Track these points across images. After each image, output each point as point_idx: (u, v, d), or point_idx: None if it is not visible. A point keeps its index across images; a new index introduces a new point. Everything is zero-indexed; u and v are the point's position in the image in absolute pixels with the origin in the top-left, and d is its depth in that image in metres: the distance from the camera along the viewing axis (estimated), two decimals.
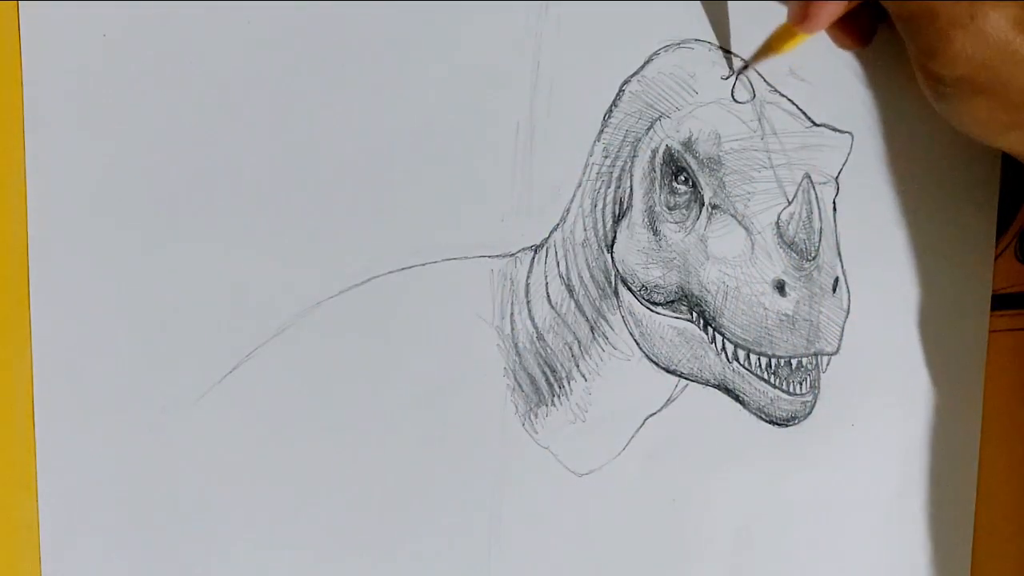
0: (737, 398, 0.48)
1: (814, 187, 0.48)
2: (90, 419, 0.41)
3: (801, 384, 0.49)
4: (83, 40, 0.40)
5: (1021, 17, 0.40)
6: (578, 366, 0.47)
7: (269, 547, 0.44)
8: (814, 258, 0.48)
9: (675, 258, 0.46)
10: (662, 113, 0.46)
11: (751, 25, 0.46)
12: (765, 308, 0.47)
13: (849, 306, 0.49)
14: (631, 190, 0.46)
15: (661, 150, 0.46)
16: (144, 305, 0.41)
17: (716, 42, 0.46)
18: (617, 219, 0.46)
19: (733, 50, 0.46)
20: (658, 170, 0.46)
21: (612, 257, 0.46)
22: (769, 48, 0.45)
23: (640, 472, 0.48)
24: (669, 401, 0.48)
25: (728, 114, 0.46)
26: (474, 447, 0.46)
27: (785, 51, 0.45)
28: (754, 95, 0.47)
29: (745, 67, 0.46)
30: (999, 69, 0.40)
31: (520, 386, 0.46)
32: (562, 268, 0.46)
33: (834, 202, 0.49)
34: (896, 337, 0.51)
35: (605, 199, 0.46)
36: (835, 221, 0.49)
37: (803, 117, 0.48)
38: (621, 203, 0.46)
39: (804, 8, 0.42)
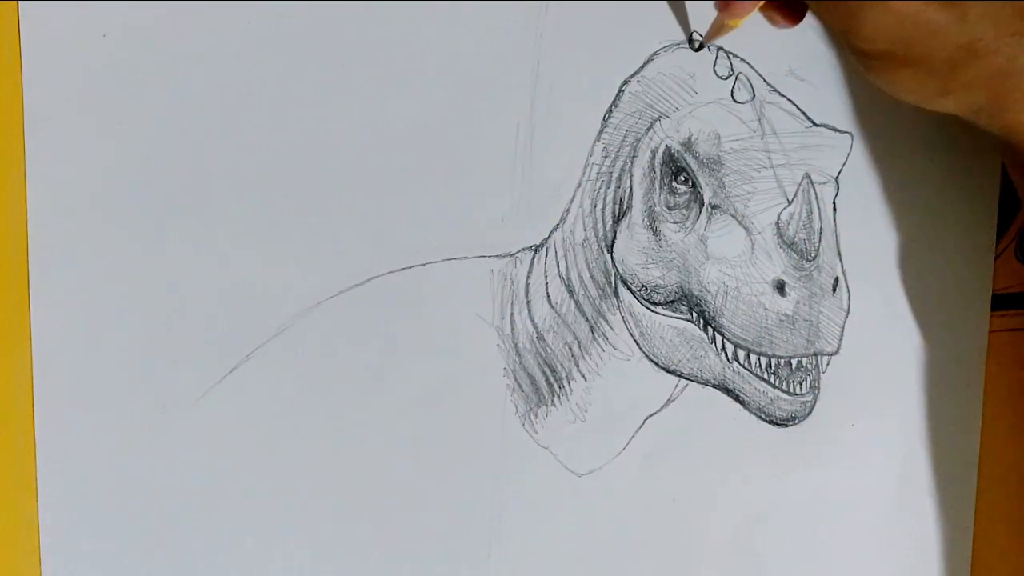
0: (737, 398, 0.48)
1: (814, 187, 0.48)
2: (90, 419, 0.41)
3: (801, 384, 0.49)
4: (83, 40, 0.40)
5: None
6: (578, 366, 0.47)
7: (268, 547, 0.44)
8: (814, 258, 0.48)
9: (675, 258, 0.46)
10: (662, 113, 0.46)
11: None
12: (765, 308, 0.47)
13: (849, 306, 0.49)
14: (631, 190, 0.46)
15: (661, 150, 0.46)
16: (144, 305, 0.41)
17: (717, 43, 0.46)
18: (617, 219, 0.46)
19: (695, 35, 0.46)
20: (658, 170, 0.46)
21: (612, 257, 0.46)
22: (722, 26, 0.44)
23: (640, 472, 0.48)
24: (669, 401, 0.48)
25: (728, 114, 0.46)
26: (474, 447, 0.46)
27: (738, 25, 0.44)
28: (754, 95, 0.47)
29: (702, 46, 0.46)
30: (917, 41, 0.39)
31: (520, 386, 0.46)
32: (562, 268, 0.46)
33: (834, 202, 0.49)
34: (896, 337, 0.51)
35: (605, 199, 0.46)
36: (835, 221, 0.49)
37: (803, 117, 0.48)
38: (621, 203, 0.46)
39: None
